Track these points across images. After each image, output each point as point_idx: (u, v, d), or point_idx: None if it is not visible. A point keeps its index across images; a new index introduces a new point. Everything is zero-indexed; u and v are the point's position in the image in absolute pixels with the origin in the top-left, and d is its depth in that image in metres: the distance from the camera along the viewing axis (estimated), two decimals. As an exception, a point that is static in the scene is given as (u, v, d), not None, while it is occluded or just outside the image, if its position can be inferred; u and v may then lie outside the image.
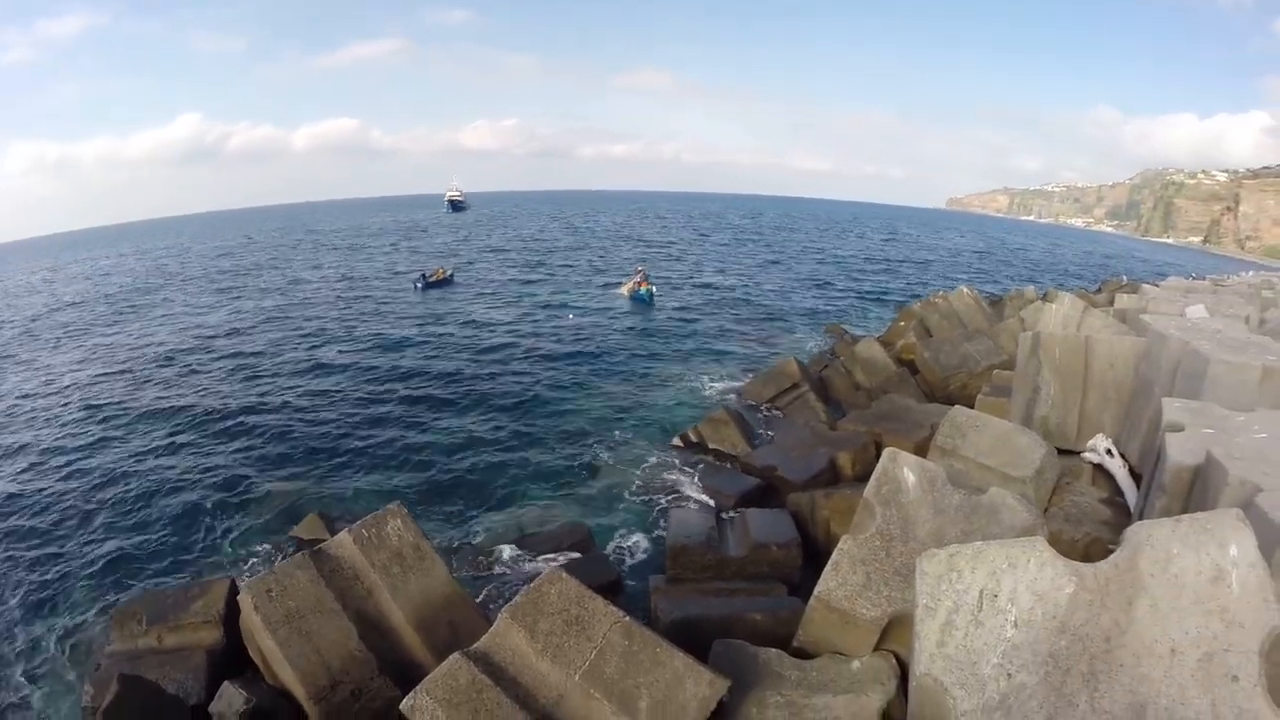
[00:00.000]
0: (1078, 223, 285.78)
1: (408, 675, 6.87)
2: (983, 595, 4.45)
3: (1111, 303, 20.09)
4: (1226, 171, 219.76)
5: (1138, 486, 8.46)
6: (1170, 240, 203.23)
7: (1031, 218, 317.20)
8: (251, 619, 7.27)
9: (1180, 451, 6.41)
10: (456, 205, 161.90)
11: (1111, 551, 4.46)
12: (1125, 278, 46.12)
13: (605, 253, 66.40)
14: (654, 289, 41.76)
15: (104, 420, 22.95)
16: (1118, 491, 8.89)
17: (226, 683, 7.46)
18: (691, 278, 51.57)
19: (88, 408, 24.61)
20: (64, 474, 18.75)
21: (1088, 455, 9.76)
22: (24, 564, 14.41)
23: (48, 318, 47.06)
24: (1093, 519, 8.24)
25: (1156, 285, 23.15)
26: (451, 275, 50.81)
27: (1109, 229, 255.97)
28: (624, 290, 43.35)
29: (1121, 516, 8.20)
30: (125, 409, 23.92)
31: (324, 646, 7.13)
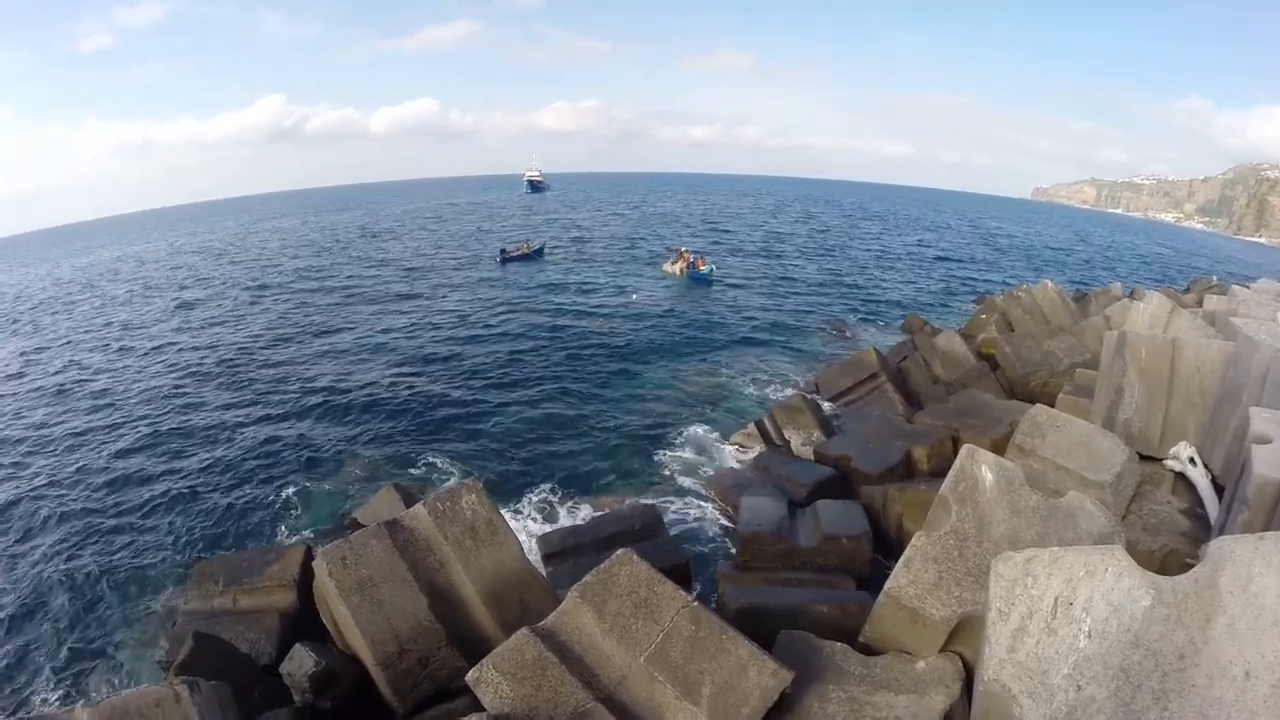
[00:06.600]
0: (1167, 218, 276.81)
1: (475, 648, 7.01)
2: (1058, 603, 4.40)
3: (1200, 303, 19.41)
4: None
5: (1220, 498, 8.23)
6: (1263, 239, 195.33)
7: (1120, 211, 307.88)
8: (325, 585, 7.47)
9: (1266, 465, 6.22)
10: (536, 186, 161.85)
11: (1188, 565, 4.36)
12: (1215, 278, 44.39)
13: (676, 236, 66.13)
14: (714, 267, 41.94)
15: (188, 392, 23.86)
16: (1198, 503, 8.65)
17: (298, 644, 7.70)
18: (768, 264, 51.04)
19: (173, 375, 25.58)
20: (148, 441, 19.55)
21: (1170, 463, 9.51)
22: (110, 525, 15.11)
23: (144, 293, 48.93)
24: (1171, 530, 8.05)
25: (1247, 287, 22.22)
26: (541, 249, 51.35)
27: (1200, 225, 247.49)
28: (672, 270, 43.53)
29: (1201, 529, 7.99)
30: (211, 381, 24.87)
31: (394, 615, 7.30)
